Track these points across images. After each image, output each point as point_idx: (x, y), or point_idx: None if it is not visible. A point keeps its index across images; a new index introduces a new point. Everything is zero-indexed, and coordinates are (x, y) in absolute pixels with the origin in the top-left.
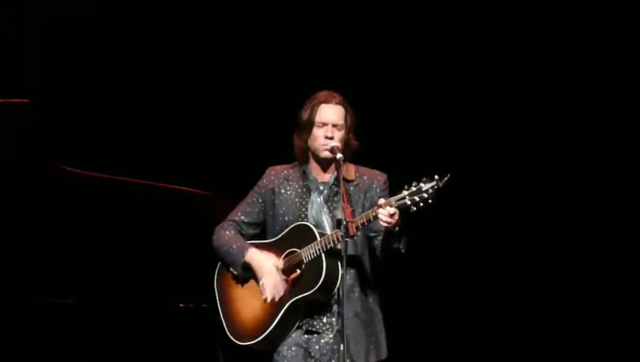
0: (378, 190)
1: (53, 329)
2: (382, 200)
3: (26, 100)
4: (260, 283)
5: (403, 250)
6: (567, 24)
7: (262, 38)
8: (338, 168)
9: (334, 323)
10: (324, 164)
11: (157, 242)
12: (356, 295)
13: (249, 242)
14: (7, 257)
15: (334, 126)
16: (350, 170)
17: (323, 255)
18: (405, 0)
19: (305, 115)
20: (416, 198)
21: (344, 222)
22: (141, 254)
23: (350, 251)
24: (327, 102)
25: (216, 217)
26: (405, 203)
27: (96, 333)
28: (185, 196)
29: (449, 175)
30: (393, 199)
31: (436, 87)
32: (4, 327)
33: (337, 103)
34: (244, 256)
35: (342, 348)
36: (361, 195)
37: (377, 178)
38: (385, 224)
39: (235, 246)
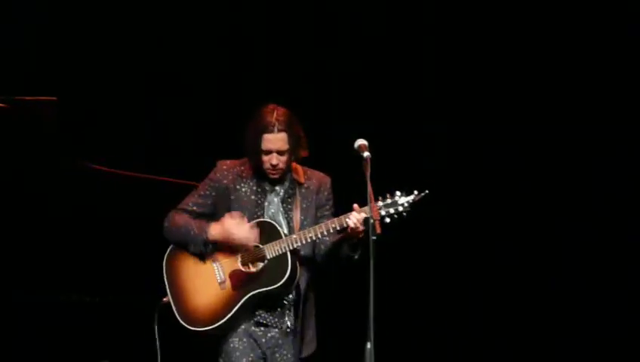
0: (326, 193)
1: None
2: (356, 206)
3: (54, 98)
4: (234, 238)
5: (356, 258)
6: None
7: (262, 41)
8: (365, 166)
9: (287, 319)
10: None
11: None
12: (312, 294)
13: None
14: (32, 253)
15: (279, 153)
16: (300, 173)
17: (288, 253)
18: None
19: (250, 141)
20: (391, 210)
21: (371, 221)
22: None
23: (309, 252)
24: (269, 131)
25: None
26: (379, 213)
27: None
28: None
29: (427, 191)
30: (367, 208)
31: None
32: (8, 325)
33: (279, 131)
34: (207, 233)
35: (368, 346)
36: (313, 197)
37: (323, 180)
38: (353, 228)
39: (194, 226)
